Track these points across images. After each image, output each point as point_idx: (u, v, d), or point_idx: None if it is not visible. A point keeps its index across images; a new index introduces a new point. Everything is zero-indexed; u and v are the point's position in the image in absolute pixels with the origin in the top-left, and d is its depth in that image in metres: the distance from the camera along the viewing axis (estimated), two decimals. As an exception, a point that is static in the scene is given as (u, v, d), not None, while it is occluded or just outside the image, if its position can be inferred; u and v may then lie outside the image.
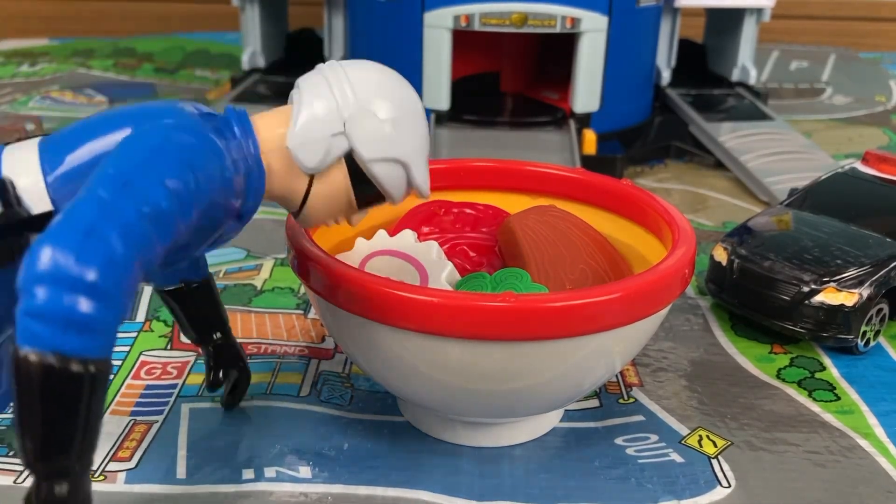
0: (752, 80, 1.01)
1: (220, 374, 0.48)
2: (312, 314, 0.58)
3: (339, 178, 0.38)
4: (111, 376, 0.51)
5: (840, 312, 0.54)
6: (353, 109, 0.37)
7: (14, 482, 0.42)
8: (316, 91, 0.38)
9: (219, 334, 0.47)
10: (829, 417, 0.49)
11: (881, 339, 0.58)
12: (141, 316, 0.58)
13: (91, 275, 0.28)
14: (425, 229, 0.49)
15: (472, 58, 0.90)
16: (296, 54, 1.06)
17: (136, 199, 0.31)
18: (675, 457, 0.46)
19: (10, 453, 0.44)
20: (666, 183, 0.86)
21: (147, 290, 0.60)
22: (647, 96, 0.93)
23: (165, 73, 1.21)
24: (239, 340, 0.55)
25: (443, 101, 0.84)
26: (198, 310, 0.47)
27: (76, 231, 0.29)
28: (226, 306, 0.59)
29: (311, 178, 0.38)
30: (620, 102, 0.87)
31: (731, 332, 0.58)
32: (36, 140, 0.35)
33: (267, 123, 0.38)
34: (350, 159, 0.38)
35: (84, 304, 0.28)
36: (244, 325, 0.57)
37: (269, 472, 0.44)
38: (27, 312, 0.28)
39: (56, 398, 0.29)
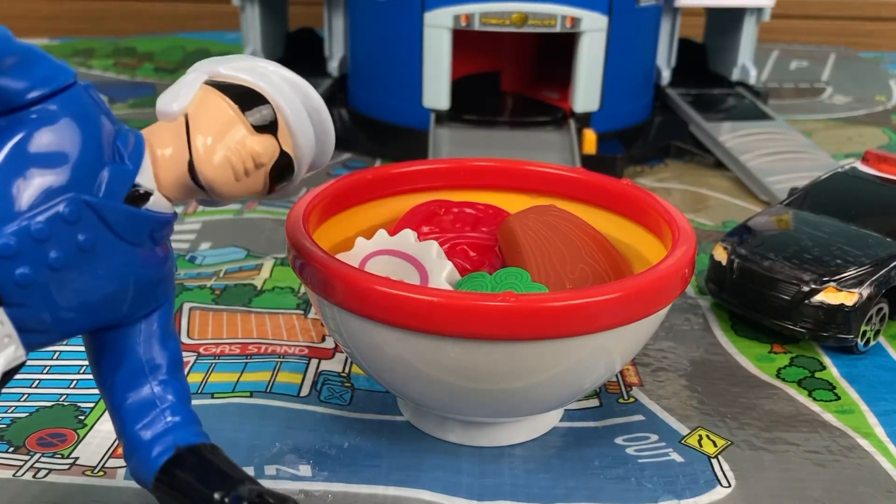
0: (752, 79, 1.01)
1: None
2: (312, 314, 0.58)
3: (209, 97, 0.36)
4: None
5: (840, 312, 0.54)
6: (211, 60, 0.37)
7: (13, 476, 0.42)
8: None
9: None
10: (829, 417, 0.49)
11: (881, 339, 0.58)
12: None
13: None
14: (425, 229, 0.49)
15: (472, 57, 0.90)
16: (296, 54, 1.06)
17: None
18: (675, 456, 0.46)
19: (10, 450, 0.44)
20: (666, 183, 0.86)
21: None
22: (647, 96, 0.93)
23: (165, 72, 1.21)
24: (239, 340, 0.55)
25: (443, 101, 0.84)
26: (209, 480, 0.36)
27: None
28: (226, 306, 0.59)
29: (186, 116, 0.35)
30: (620, 102, 0.87)
31: (731, 332, 0.58)
32: None
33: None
34: (213, 83, 0.36)
35: None
36: (244, 325, 0.57)
37: (270, 469, 0.44)
38: None
39: None
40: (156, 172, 0.35)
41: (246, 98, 0.36)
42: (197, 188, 0.35)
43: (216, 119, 0.35)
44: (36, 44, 0.32)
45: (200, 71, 0.37)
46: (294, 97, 0.37)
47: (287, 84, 0.37)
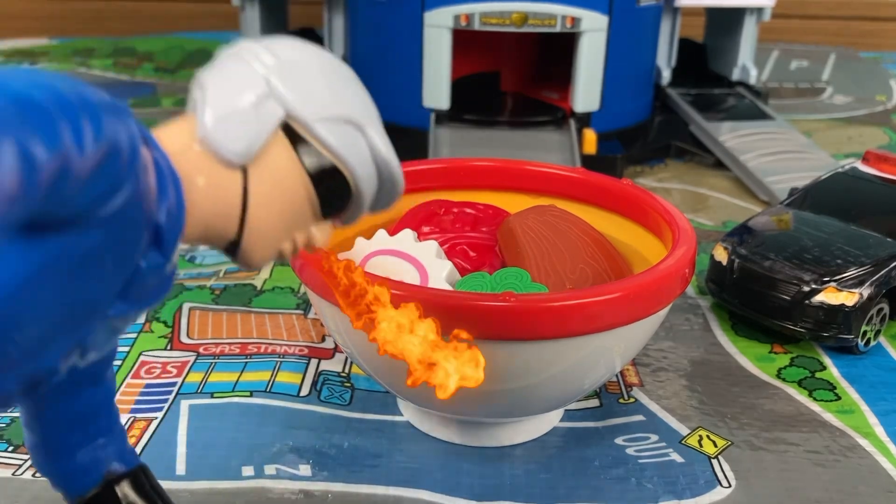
0: (753, 79, 1.00)
1: None
2: (312, 314, 0.58)
3: (284, 162, 0.29)
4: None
5: (840, 312, 0.54)
6: (276, 66, 0.29)
7: (13, 475, 0.42)
8: (223, 67, 0.30)
9: None
10: (829, 417, 0.49)
11: (881, 339, 0.58)
12: (141, 317, 0.58)
13: None
14: (425, 229, 0.49)
15: (471, 57, 0.90)
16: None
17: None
18: (676, 457, 0.46)
19: (10, 449, 0.44)
20: (666, 183, 0.86)
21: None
22: (647, 96, 0.93)
23: (165, 72, 1.21)
24: (239, 340, 0.55)
25: (443, 101, 0.84)
26: None
27: None
28: (226, 306, 0.59)
29: (245, 174, 0.28)
30: (620, 102, 0.87)
31: (732, 332, 0.58)
32: None
33: (167, 130, 0.29)
34: (291, 132, 0.29)
35: None
36: (244, 325, 0.57)
37: (269, 469, 0.44)
38: None
39: None
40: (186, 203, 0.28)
41: (330, 185, 0.30)
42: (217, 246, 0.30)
43: (288, 203, 0.29)
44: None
45: (276, 99, 0.29)
46: (375, 181, 0.31)
47: (376, 166, 0.31)
